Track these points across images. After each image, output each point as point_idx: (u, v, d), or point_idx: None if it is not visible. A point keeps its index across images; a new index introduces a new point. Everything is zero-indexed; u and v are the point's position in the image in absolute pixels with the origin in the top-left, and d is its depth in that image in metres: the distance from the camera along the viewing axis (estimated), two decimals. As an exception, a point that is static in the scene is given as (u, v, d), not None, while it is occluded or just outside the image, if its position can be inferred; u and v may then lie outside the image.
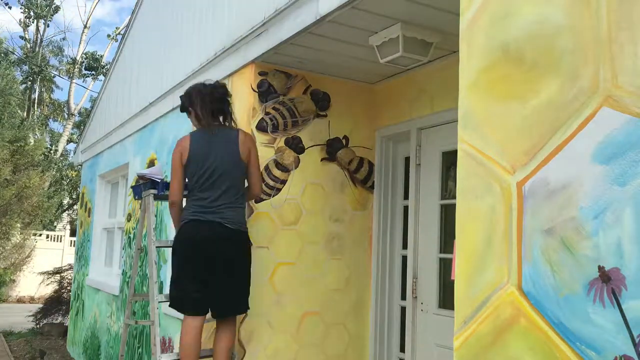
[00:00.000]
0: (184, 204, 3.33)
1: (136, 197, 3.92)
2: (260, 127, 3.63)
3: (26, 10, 23.47)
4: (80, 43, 23.42)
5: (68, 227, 23.76)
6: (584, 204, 1.51)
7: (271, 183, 3.63)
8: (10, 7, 24.84)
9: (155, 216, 4.99)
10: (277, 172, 3.66)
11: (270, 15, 3.37)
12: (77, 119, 23.70)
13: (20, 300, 18.05)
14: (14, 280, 18.02)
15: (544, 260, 1.60)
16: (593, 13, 1.55)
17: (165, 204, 4.81)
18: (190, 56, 4.66)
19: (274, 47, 3.39)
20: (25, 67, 23.50)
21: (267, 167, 3.62)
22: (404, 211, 3.94)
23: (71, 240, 21.48)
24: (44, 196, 15.10)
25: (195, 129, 3.39)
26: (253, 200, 3.54)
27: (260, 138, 3.62)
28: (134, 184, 4.58)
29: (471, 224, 1.84)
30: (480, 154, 1.83)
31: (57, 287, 10.77)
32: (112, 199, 7.41)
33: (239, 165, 3.20)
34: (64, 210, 22.48)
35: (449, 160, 3.52)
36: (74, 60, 23.42)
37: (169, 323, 4.49)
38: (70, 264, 10.92)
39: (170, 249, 3.29)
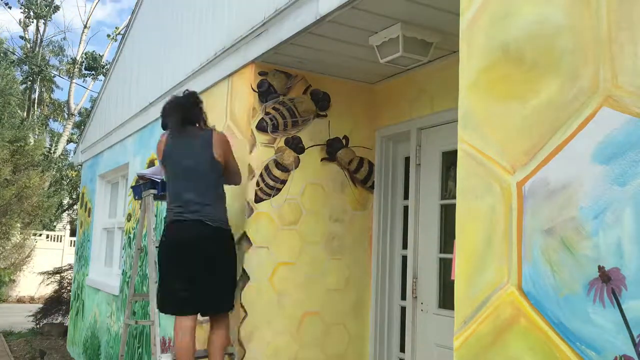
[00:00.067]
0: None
1: (136, 197, 3.93)
2: (260, 127, 3.63)
3: (26, 10, 23.47)
4: (80, 43, 23.44)
5: (68, 227, 23.76)
6: (584, 204, 1.51)
7: (271, 183, 3.63)
8: (10, 7, 24.81)
9: (155, 216, 4.99)
10: (277, 172, 3.66)
11: (270, 15, 3.37)
12: (77, 119, 23.69)
13: (20, 300, 18.05)
14: (14, 280, 18.01)
15: (544, 260, 1.60)
16: (593, 13, 1.55)
17: (166, 204, 4.81)
18: (190, 56, 4.66)
19: (274, 47, 3.39)
20: (25, 67, 23.50)
21: (267, 167, 3.62)
22: (404, 211, 3.94)
23: (71, 240, 21.47)
24: (44, 196, 15.09)
25: None
26: (253, 200, 3.55)
27: (260, 138, 3.63)
28: (134, 184, 4.58)
29: (471, 224, 1.84)
30: (480, 154, 1.83)
31: (57, 287, 10.77)
32: (112, 199, 7.41)
33: (215, 165, 3.25)
34: (64, 210, 22.48)
35: (449, 160, 3.52)
36: (74, 60, 23.42)
37: (169, 323, 4.49)
38: (70, 264, 10.92)
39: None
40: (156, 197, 3.73)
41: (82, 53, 23.28)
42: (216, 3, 4.32)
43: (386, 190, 3.99)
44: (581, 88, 1.56)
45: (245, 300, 3.50)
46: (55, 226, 22.75)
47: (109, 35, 23.49)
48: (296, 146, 3.72)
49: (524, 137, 1.70)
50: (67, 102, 23.76)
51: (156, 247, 3.44)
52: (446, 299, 3.46)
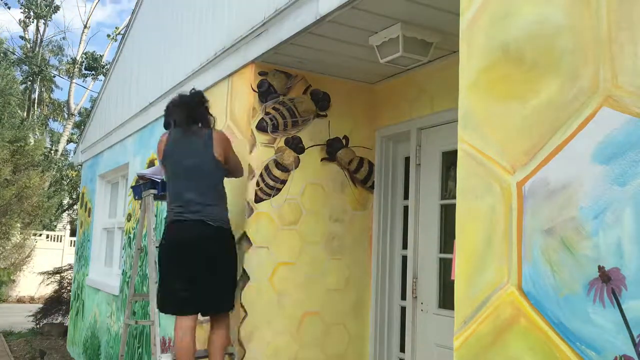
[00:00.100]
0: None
1: (136, 197, 3.93)
2: (260, 127, 3.63)
3: (26, 10, 23.47)
4: (80, 43, 23.45)
5: (68, 227, 23.76)
6: (584, 204, 1.51)
7: (271, 183, 3.63)
8: (9, 8, 24.80)
9: (155, 216, 4.99)
10: (277, 172, 3.66)
11: (270, 15, 3.37)
12: (77, 119, 23.70)
13: (20, 300, 18.05)
14: (14, 280, 18.01)
15: (544, 260, 1.60)
16: (593, 13, 1.55)
17: (165, 203, 4.81)
18: (190, 56, 4.66)
19: (274, 47, 3.39)
20: (25, 67, 23.50)
21: (267, 167, 3.62)
22: (404, 211, 3.94)
23: (71, 240, 21.47)
24: (44, 196, 15.10)
25: None
26: (253, 200, 3.56)
27: (260, 138, 3.63)
28: (134, 184, 4.58)
29: (471, 224, 1.84)
30: (480, 154, 1.83)
31: (57, 287, 10.77)
32: (112, 199, 7.41)
33: (216, 165, 3.25)
34: (64, 210, 22.48)
35: (449, 160, 3.52)
36: (74, 60, 23.43)
37: (169, 323, 4.49)
38: (70, 264, 10.92)
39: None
40: (156, 197, 3.73)
41: (82, 53, 23.28)
42: (216, 3, 4.32)
43: (386, 190, 3.99)
44: (581, 88, 1.56)
45: (245, 300, 3.50)
46: (55, 226, 22.75)
47: (109, 35, 23.51)
48: (296, 146, 3.72)
49: (524, 137, 1.70)
50: (67, 102, 23.77)
51: (156, 247, 3.45)
52: (446, 299, 3.46)
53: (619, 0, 1.49)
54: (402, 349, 3.76)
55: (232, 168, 3.42)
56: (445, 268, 3.47)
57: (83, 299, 7.65)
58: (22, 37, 24.35)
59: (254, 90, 3.65)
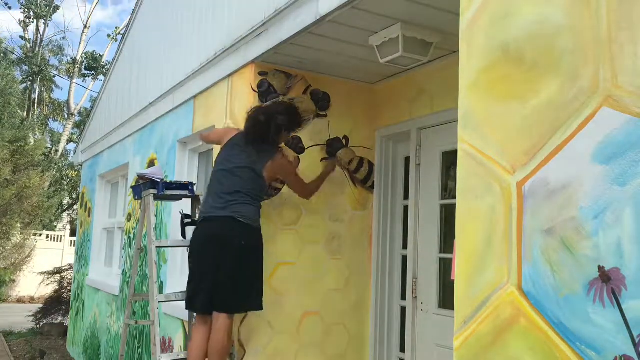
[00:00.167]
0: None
1: (136, 197, 3.93)
2: (260, 127, 3.63)
3: (26, 10, 23.47)
4: (80, 43, 23.45)
5: (68, 227, 23.76)
6: (584, 204, 1.51)
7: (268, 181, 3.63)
8: (10, 7, 24.81)
9: (155, 216, 4.99)
10: (277, 172, 3.65)
11: (270, 15, 3.37)
12: (77, 119, 23.70)
13: (20, 300, 18.05)
14: (14, 280, 18.01)
15: (544, 260, 1.60)
16: (593, 13, 1.55)
17: (166, 203, 4.82)
18: (190, 56, 4.66)
19: (274, 47, 3.39)
20: (25, 67, 23.50)
21: (267, 167, 3.62)
22: (404, 211, 3.94)
23: (71, 240, 21.47)
24: (44, 196, 15.10)
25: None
26: None
27: (260, 138, 3.62)
28: (134, 184, 4.58)
29: (471, 224, 1.84)
30: (480, 154, 1.83)
31: (57, 287, 10.77)
32: (112, 199, 7.41)
33: (257, 181, 3.29)
34: (64, 210, 22.48)
35: (449, 160, 3.52)
36: (74, 60, 23.42)
37: (169, 323, 4.49)
38: (70, 264, 10.91)
39: (171, 249, 3.33)
40: (156, 197, 3.73)
41: (82, 53, 23.29)
42: (216, 3, 4.32)
43: (386, 190, 3.99)
44: (581, 88, 1.56)
45: (245, 300, 3.49)
46: (55, 226, 22.75)
47: (109, 35, 23.52)
48: (296, 146, 3.72)
49: (524, 137, 1.70)
50: (67, 102, 23.77)
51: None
52: (446, 299, 3.46)
53: (619, 0, 1.49)
54: (402, 349, 3.76)
55: (295, 190, 3.55)
56: (445, 268, 3.47)
57: (83, 299, 7.65)
58: (22, 37, 24.36)
59: (254, 90, 3.65)
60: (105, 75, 12.00)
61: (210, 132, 3.88)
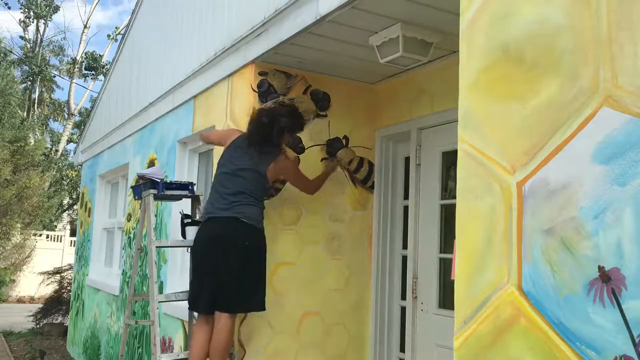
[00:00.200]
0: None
1: (136, 197, 3.92)
2: (260, 127, 3.62)
3: (26, 10, 23.47)
4: (80, 43, 23.45)
5: (68, 227, 23.75)
6: (584, 204, 1.51)
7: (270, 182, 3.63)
8: (10, 7, 24.81)
9: (155, 216, 4.99)
10: (277, 172, 3.65)
11: (270, 15, 3.37)
12: (77, 119, 23.70)
13: (20, 300, 18.04)
14: (14, 280, 18.01)
15: (544, 260, 1.60)
16: (593, 13, 1.55)
17: (166, 203, 4.82)
18: (190, 56, 4.66)
19: (274, 47, 3.39)
20: (25, 67, 23.49)
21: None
22: (404, 211, 3.94)
23: (71, 240, 21.47)
24: (44, 196, 15.09)
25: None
26: None
27: (260, 138, 3.62)
28: (134, 184, 4.58)
29: (471, 224, 1.84)
30: (480, 154, 1.83)
31: (57, 287, 10.77)
32: (112, 199, 7.41)
33: (260, 182, 3.30)
34: (64, 210, 22.48)
35: (449, 160, 3.52)
36: (74, 60, 23.42)
37: (169, 323, 4.49)
38: (70, 264, 10.91)
39: (171, 249, 3.33)
40: (156, 197, 3.73)
41: (82, 53, 23.28)
42: (216, 3, 4.32)
43: (386, 190, 3.99)
44: (581, 88, 1.56)
45: (245, 300, 3.49)
46: (55, 226, 22.75)
47: (109, 36, 23.51)
48: (296, 146, 3.72)
49: (524, 137, 1.70)
50: (67, 102, 23.77)
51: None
52: (446, 299, 3.46)
53: (619, 0, 1.49)
54: (402, 349, 3.76)
55: (299, 188, 3.57)
56: (445, 268, 3.47)
57: (83, 299, 7.65)
58: (22, 37, 24.36)
59: (254, 90, 3.65)
60: (105, 75, 12.00)
61: (210, 133, 3.88)
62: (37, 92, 24.63)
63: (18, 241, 16.38)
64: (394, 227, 3.98)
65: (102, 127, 7.64)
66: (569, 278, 1.53)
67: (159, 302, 3.49)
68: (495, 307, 1.72)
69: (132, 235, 5.71)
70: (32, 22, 24.19)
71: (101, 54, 23.39)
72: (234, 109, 3.85)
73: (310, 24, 3.03)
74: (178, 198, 3.85)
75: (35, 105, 24.44)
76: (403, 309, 3.84)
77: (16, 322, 10.92)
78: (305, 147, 3.77)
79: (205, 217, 3.32)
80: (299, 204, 3.73)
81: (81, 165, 9.15)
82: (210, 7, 4.44)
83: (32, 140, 14.63)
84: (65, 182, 20.44)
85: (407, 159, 3.88)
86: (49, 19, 24.14)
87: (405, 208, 3.88)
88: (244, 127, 3.65)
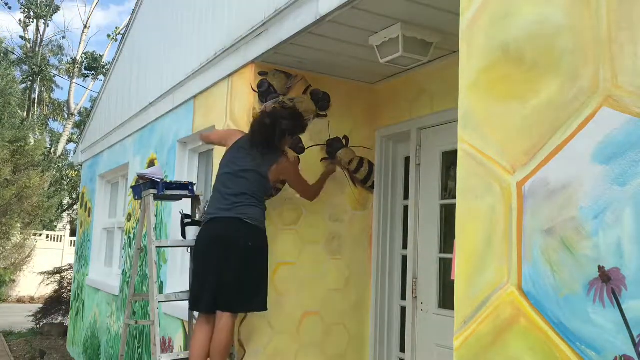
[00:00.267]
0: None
1: (136, 197, 3.92)
2: (260, 127, 3.62)
3: (26, 10, 23.48)
4: (80, 43, 23.44)
5: (68, 227, 23.75)
6: (584, 204, 1.51)
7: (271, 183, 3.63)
8: (10, 7, 24.81)
9: (155, 216, 4.99)
10: (277, 172, 3.65)
11: (270, 15, 3.37)
12: (77, 119, 23.70)
13: (20, 300, 18.04)
14: (14, 280, 18.01)
15: (544, 260, 1.60)
16: (593, 13, 1.55)
17: (166, 203, 4.82)
18: (190, 56, 4.66)
19: (274, 47, 3.39)
20: (25, 67, 23.50)
21: (267, 167, 3.62)
22: (404, 211, 3.94)
23: (71, 240, 21.47)
24: (44, 196, 15.10)
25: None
26: None
27: (260, 138, 3.62)
28: (134, 184, 4.58)
29: (471, 224, 1.84)
30: (480, 154, 1.83)
31: (57, 287, 10.77)
32: (112, 199, 7.41)
33: (262, 183, 3.31)
34: (64, 210, 22.48)
35: (449, 160, 3.52)
36: (74, 60, 23.42)
37: (169, 323, 4.49)
38: (70, 264, 10.91)
39: (171, 249, 3.33)
40: (156, 197, 3.73)
41: (82, 53, 23.28)
42: (216, 3, 4.32)
43: (386, 190, 3.99)
44: (581, 88, 1.56)
45: (245, 300, 3.49)
46: (55, 226, 22.75)
47: (109, 36, 23.50)
48: (296, 146, 3.72)
49: (524, 137, 1.70)
50: (67, 102, 23.77)
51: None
52: (446, 299, 3.46)
53: (619, 0, 1.49)
54: (402, 349, 3.76)
55: (298, 192, 3.59)
56: (445, 268, 3.47)
57: (83, 299, 7.65)
58: (22, 37, 24.36)
59: (254, 90, 3.65)
60: (105, 75, 12.00)
61: (211, 133, 3.88)
62: (37, 92, 24.64)
63: (18, 241, 16.38)
64: (394, 227, 3.98)
65: (102, 127, 7.64)
66: (569, 278, 1.53)
67: (159, 302, 3.49)
68: (495, 307, 1.72)
69: (132, 235, 5.71)
70: (32, 22, 24.20)
71: (101, 54, 23.40)
72: (234, 109, 3.85)
73: (310, 24, 3.03)
74: (178, 198, 3.85)
75: (35, 105, 24.45)
76: (403, 309, 3.84)
77: (16, 322, 10.92)
78: (305, 147, 3.77)
79: (207, 217, 3.33)
80: (299, 204, 3.73)
81: (81, 165, 9.15)
82: (210, 7, 4.44)
83: (32, 140, 14.63)
84: (65, 182, 20.44)
85: (407, 159, 3.88)
86: (49, 19, 24.15)
87: (405, 208, 3.88)
88: (244, 127, 3.65)
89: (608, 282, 1.44)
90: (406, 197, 3.87)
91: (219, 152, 3.83)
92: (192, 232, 3.54)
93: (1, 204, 12.55)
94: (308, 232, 3.75)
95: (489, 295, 1.75)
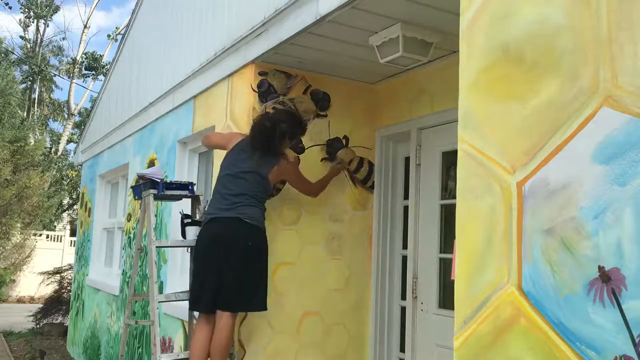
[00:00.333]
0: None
1: (136, 197, 3.92)
2: (260, 127, 3.62)
3: (26, 10, 23.48)
4: (80, 43, 23.44)
5: (68, 227, 23.75)
6: (584, 204, 1.51)
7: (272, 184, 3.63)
8: (10, 7, 24.80)
9: (155, 216, 4.99)
10: (277, 172, 3.65)
11: (270, 15, 3.37)
12: (77, 119, 23.70)
13: (20, 300, 18.04)
14: (14, 280, 18.01)
15: (544, 260, 1.60)
16: (593, 13, 1.55)
17: (166, 203, 4.82)
18: (190, 56, 4.66)
19: (274, 47, 3.39)
20: (25, 67, 23.49)
21: (267, 167, 3.62)
22: (404, 211, 3.94)
23: (71, 240, 21.47)
24: (44, 196, 15.10)
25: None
26: None
27: (260, 138, 3.62)
28: (134, 184, 4.58)
29: (471, 224, 1.84)
30: (480, 154, 1.83)
31: (57, 287, 10.77)
32: (112, 199, 7.41)
33: (262, 184, 3.32)
34: (64, 210, 22.48)
35: (449, 160, 3.52)
36: (74, 60, 23.42)
37: (169, 323, 4.49)
38: (70, 264, 10.91)
39: (171, 249, 3.33)
40: (156, 197, 3.73)
41: (82, 53, 23.28)
42: (216, 3, 4.32)
43: (386, 190, 3.99)
44: (581, 88, 1.56)
45: (245, 300, 3.49)
46: (55, 226, 22.75)
47: (109, 36, 23.49)
48: (296, 146, 3.72)
49: (524, 137, 1.70)
50: (67, 102, 23.77)
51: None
52: (446, 299, 3.46)
53: (619, 0, 1.49)
54: (402, 349, 3.76)
55: (301, 191, 3.59)
56: (445, 268, 3.47)
57: (83, 299, 7.65)
58: (22, 37, 24.36)
59: (254, 90, 3.65)
60: (105, 75, 12.00)
61: (211, 133, 3.87)
62: (37, 92, 24.64)
63: (18, 241, 16.38)
64: (394, 227, 3.98)
65: (102, 127, 7.64)
66: (569, 278, 1.53)
67: (159, 302, 3.49)
68: (495, 307, 1.72)
69: (132, 235, 5.71)
70: (32, 22, 24.20)
71: (101, 54, 23.40)
72: (234, 109, 3.85)
73: (310, 24, 3.03)
74: (178, 198, 3.85)
75: (35, 105, 24.45)
76: (403, 309, 3.84)
77: (16, 322, 10.92)
78: (305, 147, 3.77)
79: (208, 217, 3.34)
80: (299, 204, 3.73)
81: (81, 165, 9.15)
82: (210, 7, 4.44)
83: (32, 140, 14.63)
84: (65, 182, 20.45)
85: (407, 159, 3.88)
86: (49, 19, 24.15)
87: (405, 208, 3.88)
88: (244, 127, 3.65)
89: (608, 282, 1.44)
90: (406, 197, 3.87)
91: (219, 152, 3.83)
92: (192, 232, 3.54)
93: (1, 204, 12.55)
94: (308, 232, 3.75)
95: (489, 295, 1.75)
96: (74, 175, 20.36)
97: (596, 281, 1.47)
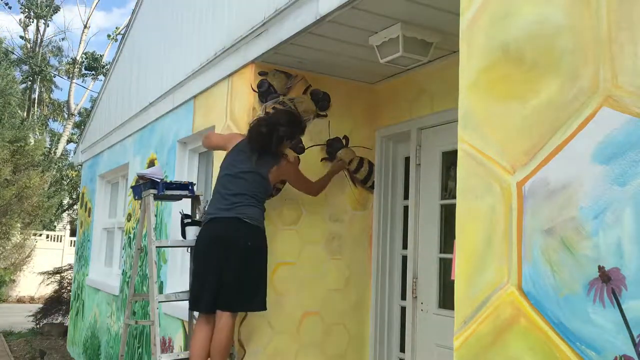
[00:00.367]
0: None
1: (136, 197, 3.92)
2: (260, 127, 3.62)
3: (26, 10, 23.48)
4: (80, 43, 23.44)
5: (68, 227, 23.75)
6: (584, 204, 1.51)
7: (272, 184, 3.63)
8: (10, 7, 24.81)
9: (155, 216, 4.99)
10: (277, 172, 3.65)
11: (270, 15, 3.37)
12: (77, 119, 23.69)
13: (20, 300, 18.04)
14: (14, 280, 18.01)
15: (544, 260, 1.60)
16: (593, 13, 1.55)
17: (166, 203, 4.82)
18: (190, 56, 4.66)
19: (274, 47, 3.39)
20: (25, 67, 23.49)
21: (267, 167, 3.62)
22: (404, 211, 3.94)
23: (71, 240, 21.47)
24: (44, 196, 15.10)
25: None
26: None
27: (260, 138, 3.62)
28: (134, 184, 4.58)
29: (471, 224, 1.84)
30: (480, 154, 1.83)
31: (57, 287, 10.77)
32: (112, 199, 7.41)
33: (262, 184, 3.32)
34: (64, 210, 22.48)
35: (449, 160, 3.52)
36: (74, 60, 23.42)
37: (169, 323, 4.49)
38: (70, 264, 10.91)
39: (171, 249, 3.33)
40: (156, 197, 3.73)
41: (82, 53, 23.28)
42: (216, 3, 4.32)
43: (386, 190, 3.99)
44: (581, 88, 1.56)
45: (245, 300, 3.49)
46: (55, 226, 22.74)
47: (109, 36, 23.49)
48: (296, 146, 3.72)
49: (524, 137, 1.70)
50: (67, 102, 23.76)
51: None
52: (446, 299, 3.46)
53: (619, 0, 1.49)
54: (402, 349, 3.76)
55: (301, 190, 3.58)
56: (445, 268, 3.47)
57: (83, 299, 7.65)
58: (22, 37, 24.36)
59: (254, 90, 3.65)
60: (105, 75, 12.00)
61: (212, 134, 3.85)
62: (37, 92, 24.63)
63: (18, 241, 16.38)
64: (394, 227, 3.98)
65: (102, 127, 7.64)
66: (569, 278, 1.53)
67: (159, 302, 3.49)
68: (495, 307, 1.72)
69: (132, 235, 5.71)
70: (32, 22, 24.20)
71: (101, 54, 23.40)
72: (234, 109, 3.85)
73: (310, 24, 3.03)
74: (178, 198, 3.85)
75: (35, 105, 24.45)
76: (403, 309, 3.84)
77: (16, 322, 10.92)
78: (305, 147, 3.77)
79: (207, 217, 3.34)
80: (299, 204, 3.73)
81: (81, 165, 9.15)
82: (210, 7, 4.44)
83: (32, 140, 14.63)
84: (65, 182, 20.44)
85: (407, 159, 3.88)
86: (49, 19, 24.14)
87: (405, 208, 3.88)
88: (243, 127, 3.65)
89: (608, 282, 1.44)
90: (406, 197, 3.87)
91: (218, 153, 3.83)
92: (192, 232, 3.54)
93: (1, 204, 12.55)
94: (308, 232, 3.75)
95: (489, 295, 1.75)
96: (74, 175, 20.36)
97: (596, 281, 1.47)
